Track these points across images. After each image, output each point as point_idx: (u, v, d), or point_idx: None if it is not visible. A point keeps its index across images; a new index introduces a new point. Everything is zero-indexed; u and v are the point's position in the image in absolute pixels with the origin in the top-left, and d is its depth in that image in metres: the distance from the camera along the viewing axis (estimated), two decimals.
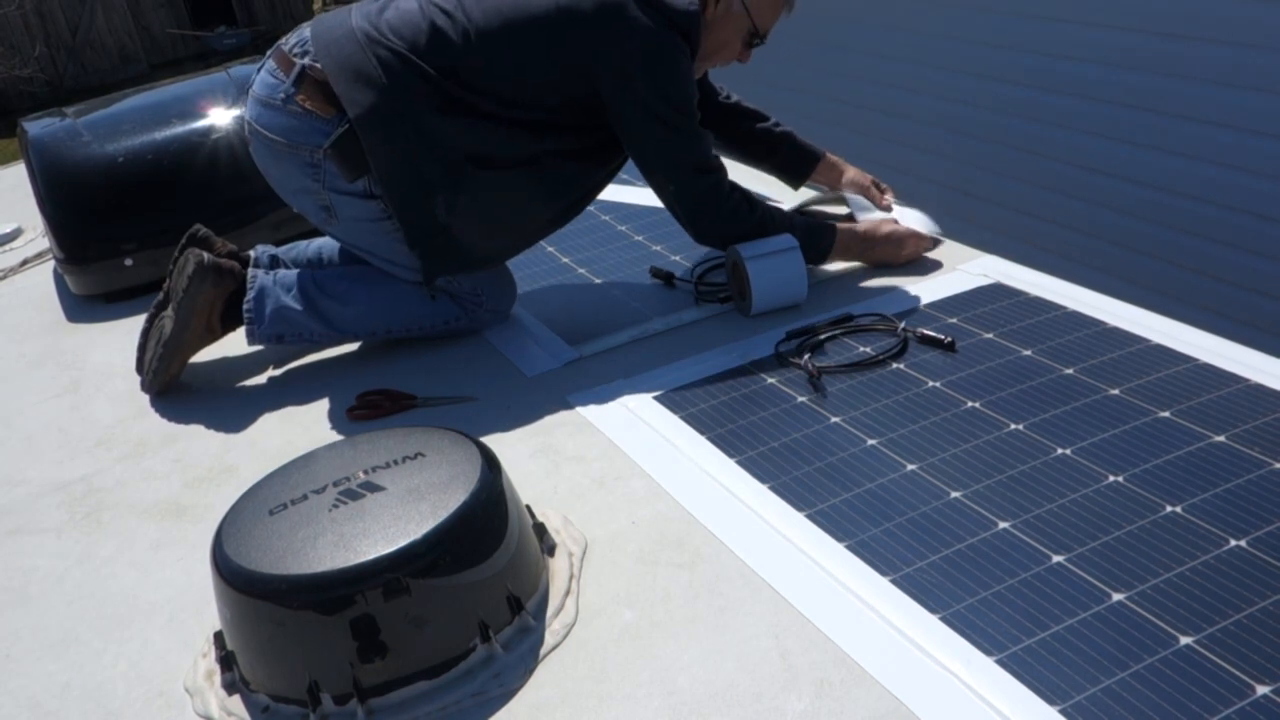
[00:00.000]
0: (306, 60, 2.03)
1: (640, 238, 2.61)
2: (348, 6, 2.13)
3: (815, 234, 2.20)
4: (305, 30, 2.10)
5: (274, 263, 2.29)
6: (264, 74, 2.11)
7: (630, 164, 2.29)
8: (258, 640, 1.34)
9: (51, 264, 3.12)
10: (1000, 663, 1.22)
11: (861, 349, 1.94)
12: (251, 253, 2.29)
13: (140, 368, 2.22)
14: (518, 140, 2.05)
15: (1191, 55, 3.56)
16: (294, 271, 2.19)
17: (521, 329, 2.24)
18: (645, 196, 2.86)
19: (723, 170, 2.12)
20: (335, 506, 1.38)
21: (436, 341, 2.24)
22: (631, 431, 1.81)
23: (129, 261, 2.75)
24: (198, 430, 2.07)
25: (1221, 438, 1.54)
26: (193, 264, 2.11)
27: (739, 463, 1.67)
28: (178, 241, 2.29)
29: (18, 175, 4.05)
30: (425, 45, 2.00)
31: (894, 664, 1.25)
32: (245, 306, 2.14)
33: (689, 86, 2.05)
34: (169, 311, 2.15)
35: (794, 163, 2.49)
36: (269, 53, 2.14)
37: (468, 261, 2.13)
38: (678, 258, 2.46)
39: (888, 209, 2.42)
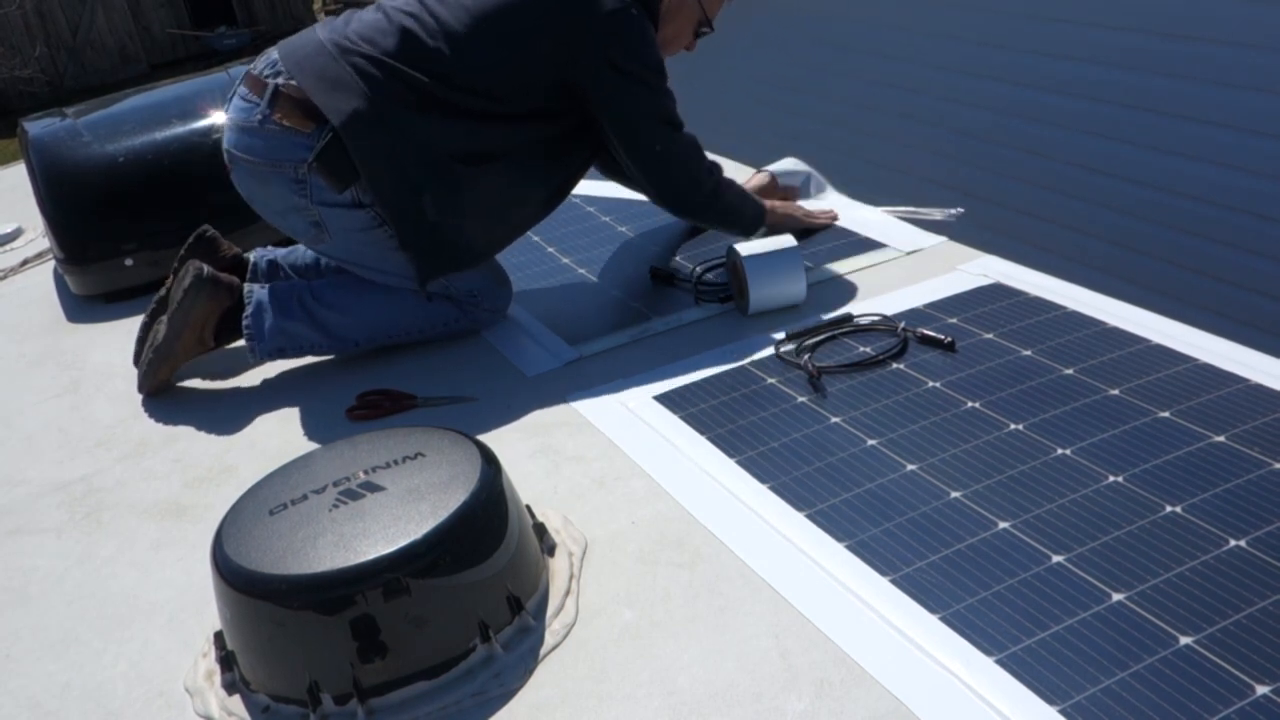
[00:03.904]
0: (280, 80, 2.04)
1: (640, 238, 2.61)
2: (312, 26, 2.15)
3: (756, 210, 2.33)
4: (273, 53, 2.12)
5: (272, 268, 2.30)
6: (237, 100, 2.13)
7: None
8: (258, 640, 1.34)
9: (51, 264, 3.12)
10: (1000, 663, 1.22)
11: (861, 349, 1.94)
12: (250, 256, 2.30)
13: (138, 364, 2.23)
14: (499, 133, 2.08)
15: (1191, 55, 3.56)
16: (289, 283, 2.20)
17: (521, 329, 2.24)
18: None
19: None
20: (335, 506, 1.38)
21: (436, 341, 2.24)
22: (631, 431, 1.81)
23: (129, 261, 2.75)
24: (198, 430, 2.07)
25: (1221, 438, 1.54)
26: (191, 275, 2.12)
27: (739, 463, 1.67)
28: (178, 241, 2.30)
29: (18, 175, 4.05)
30: (397, 49, 2.02)
31: (894, 664, 1.25)
32: (244, 324, 2.14)
33: (657, 48, 2.14)
34: (164, 318, 2.16)
35: None
36: (239, 80, 2.15)
37: (462, 258, 2.14)
38: (678, 258, 2.46)
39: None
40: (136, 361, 2.23)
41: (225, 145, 2.15)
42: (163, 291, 2.24)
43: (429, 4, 2.07)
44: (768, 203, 2.38)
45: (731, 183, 2.29)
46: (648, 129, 2.14)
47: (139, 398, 2.23)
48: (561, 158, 2.19)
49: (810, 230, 2.44)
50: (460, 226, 2.09)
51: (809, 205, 2.57)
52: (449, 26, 2.04)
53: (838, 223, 2.50)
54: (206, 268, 2.14)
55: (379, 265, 2.15)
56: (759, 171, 2.64)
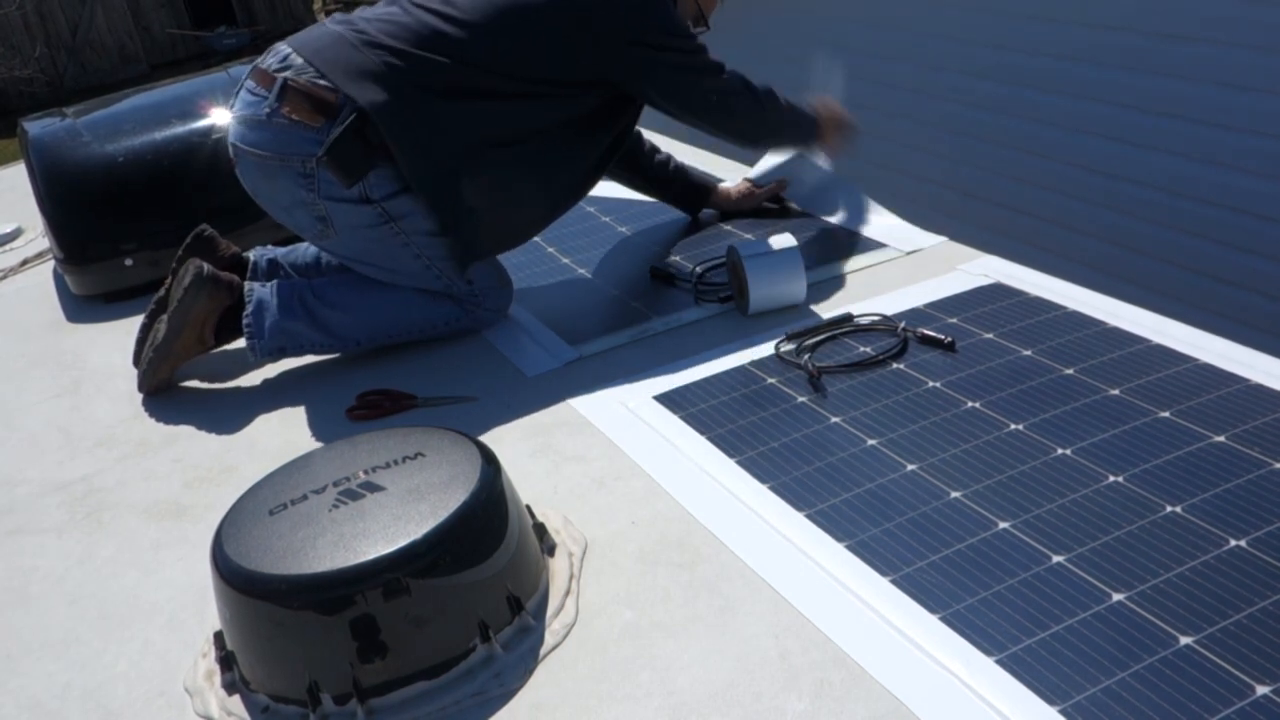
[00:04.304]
0: (289, 74, 2.04)
1: (640, 238, 2.61)
2: (321, 22, 2.16)
3: (813, 124, 2.42)
4: (283, 47, 2.12)
5: (273, 266, 2.30)
6: (244, 94, 2.13)
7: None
8: (258, 640, 1.34)
9: (51, 264, 3.12)
10: (1000, 663, 1.22)
11: (861, 349, 1.94)
12: (250, 255, 2.30)
13: (137, 363, 2.24)
14: (530, 114, 2.10)
15: (1192, 55, 3.56)
16: (290, 281, 2.19)
17: (521, 329, 2.24)
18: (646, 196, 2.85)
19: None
20: (335, 506, 1.38)
21: (436, 341, 2.24)
22: (631, 431, 1.81)
23: (129, 261, 2.75)
24: (198, 430, 2.07)
25: (1221, 438, 1.54)
26: (191, 274, 2.12)
27: (739, 463, 1.67)
28: (177, 242, 2.30)
29: (18, 175, 4.05)
30: (419, 38, 2.04)
31: (894, 664, 1.25)
32: (245, 323, 2.13)
33: (674, 11, 2.20)
34: (164, 317, 2.16)
35: (689, 196, 2.68)
36: (246, 74, 2.16)
37: (502, 239, 2.18)
38: (678, 258, 2.46)
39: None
40: (136, 361, 2.24)
41: (231, 139, 2.15)
42: (162, 292, 2.24)
43: None
44: (820, 121, 2.44)
45: (785, 99, 2.35)
46: (698, 89, 2.20)
47: (139, 398, 2.23)
48: (597, 134, 2.22)
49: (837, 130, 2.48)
50: (499, 207, 2.12)
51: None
52: (469, 15, 2.05)
53: (836, 222, 2.50)
54: (207, 266, 2.14)
55: (384, 263, 2.15)
56: (742, 180, 2.69)
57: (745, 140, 2.38)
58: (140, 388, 2.22)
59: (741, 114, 2.26)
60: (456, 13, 2.06)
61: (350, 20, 2.11)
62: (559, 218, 2.29)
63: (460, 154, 2.05)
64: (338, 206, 2.07)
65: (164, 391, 2.22)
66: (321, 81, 2.02)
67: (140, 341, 2.23)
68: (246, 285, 2.16)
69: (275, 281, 2.19)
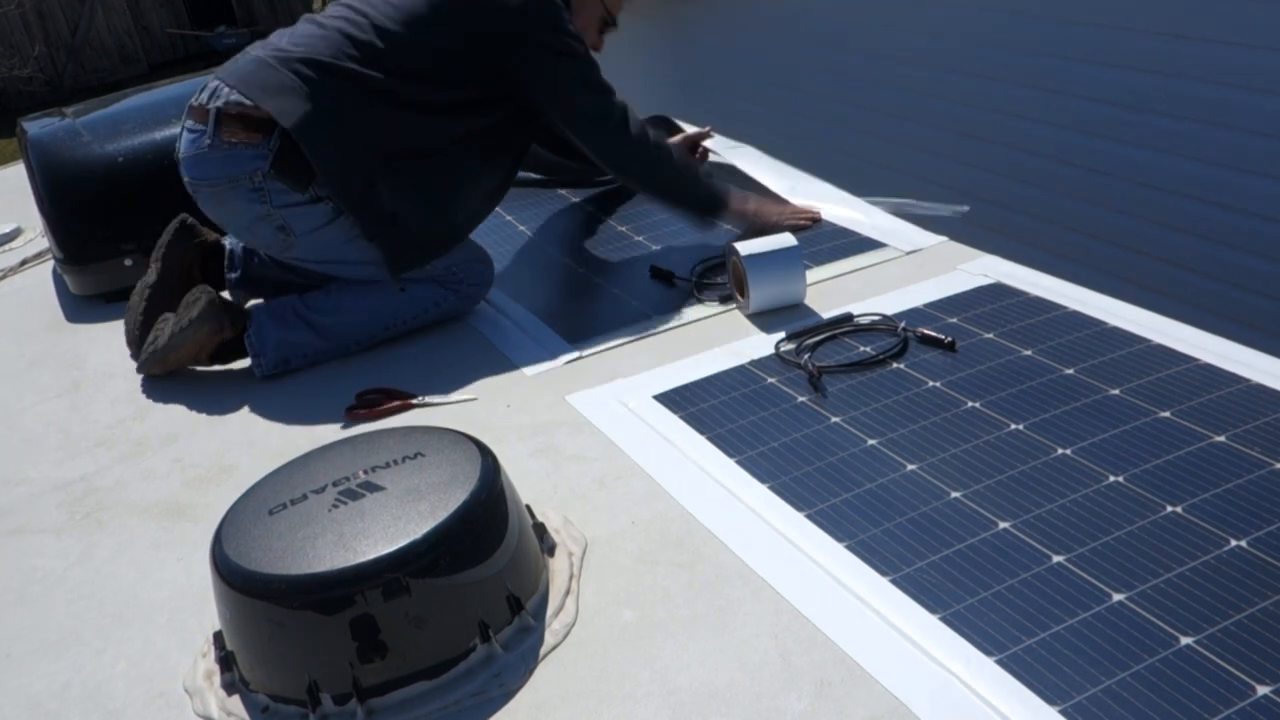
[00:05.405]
0: (220, 103, 2.11)
1: (640, 238, 2.61)
2: (246, 48, 2.24)
3: (715, 189, 2.38)
4: (211, 80, 2.19)
5: (247, 253, 2.37)
6: (185, 133, 2.19)
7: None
8: (258, 640, 1.34)
9: (51, 264, 3.12)
10: (1000, 663, 1.22)
11: (861, 349, 1.94)
12: (226, 242, 2.37)
13: (129, 341, 2.31)
14: (441, 126, 2.17)
15: (1192, 55, 3.56)
16: (281, 299, 2.25)
17: (521, 328, 2.24)
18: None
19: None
20: (335, 506, 1.38)
21: (436, 341, 2.25)
22: (631, 431, 1.81)
23: (129, 261, 2.75)
24: (198, 430, 2.07)
25: (1221, 438, 1.54)
26: (203, 304, 2.15)
27: (739, 463, 1.67)
28: None
29: (18, 175, 4.05)
30: (333, 49, 2.12)
31: (894, 664, 1.25)
32: (248, 342, 2.19)
33: (570, 17, 2.23)
34: (167, 325, 2.19)
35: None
36: (185, 114, 2.21)
37: (428, 243, 2.20)
38: (678, 257, 2.46)
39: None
40: (129, 341, 2.29)
41: (184, 178, 2.21)
42: (153, 277, 2.28)
43: (355, 5, 2.16)
44: (743, 195, 2.41)
45: (686, 156, 2.35)
46: (578, 96, 2.23)
47: (139, 398, 2.24)
48: (509, 138, 2.28)
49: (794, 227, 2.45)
50: (417, 211, 2.16)
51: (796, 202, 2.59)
52: (377, 22, 2.13)
53: (837, 222, 2.50)
54: (219, 297, 2.18)
55: (351, 257, 2.20)
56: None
57: (617, 170, 2.35)
58: (138, 371, 2.29)
59: (612, 139, 2.25)
60: (365, 20, 2.14)
61: (271, 44, 2.18)
62: (484, 219, 2.34)
63: (374, 162, 2.11)
64: (293, 211, 2.13)
65: (172, 390, 2.24)
66: (249, 103, 2.09)
67: (131, 322, 2.28)
68: (250, 309, 2.22)
69: (269, 302, 2.25)
